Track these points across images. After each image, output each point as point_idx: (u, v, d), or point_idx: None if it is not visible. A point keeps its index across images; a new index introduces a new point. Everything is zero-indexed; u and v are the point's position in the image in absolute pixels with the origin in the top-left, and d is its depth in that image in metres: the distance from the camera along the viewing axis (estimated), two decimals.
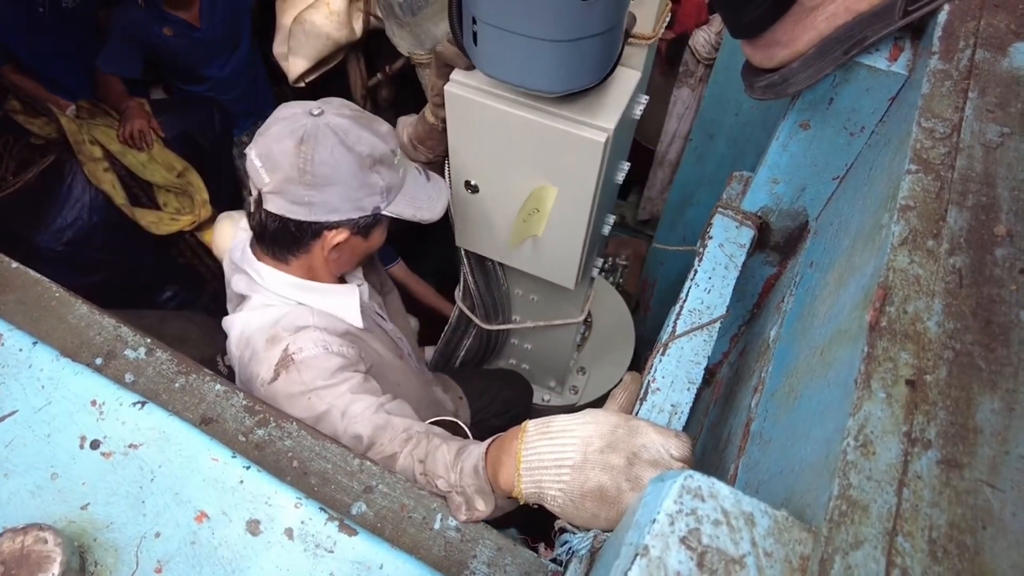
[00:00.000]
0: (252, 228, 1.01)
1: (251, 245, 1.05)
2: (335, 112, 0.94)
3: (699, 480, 0.40)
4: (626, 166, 1.22)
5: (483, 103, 1.03)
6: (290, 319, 0.97)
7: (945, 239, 0.49)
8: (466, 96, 1.04)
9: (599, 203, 1.13)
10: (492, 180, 1.15)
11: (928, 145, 0.55)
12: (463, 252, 1.40)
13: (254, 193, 0.95)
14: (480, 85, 1.04)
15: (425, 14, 1.99)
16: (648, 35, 1.07)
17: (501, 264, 1.46)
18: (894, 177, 0.56)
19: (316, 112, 0.93)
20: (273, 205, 0.93)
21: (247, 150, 0.94)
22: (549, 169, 1.06)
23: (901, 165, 0.54)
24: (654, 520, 0.39)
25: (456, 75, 1.06)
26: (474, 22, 0.88)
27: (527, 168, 1.11)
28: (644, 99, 1.09)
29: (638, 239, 2.74)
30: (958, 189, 0.52)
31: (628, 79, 1.07)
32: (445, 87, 1.05)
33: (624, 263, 2.67)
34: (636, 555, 0.38)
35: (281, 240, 0.98)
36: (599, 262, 1.51)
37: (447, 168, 1.19)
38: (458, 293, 1.59)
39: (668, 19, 1.14)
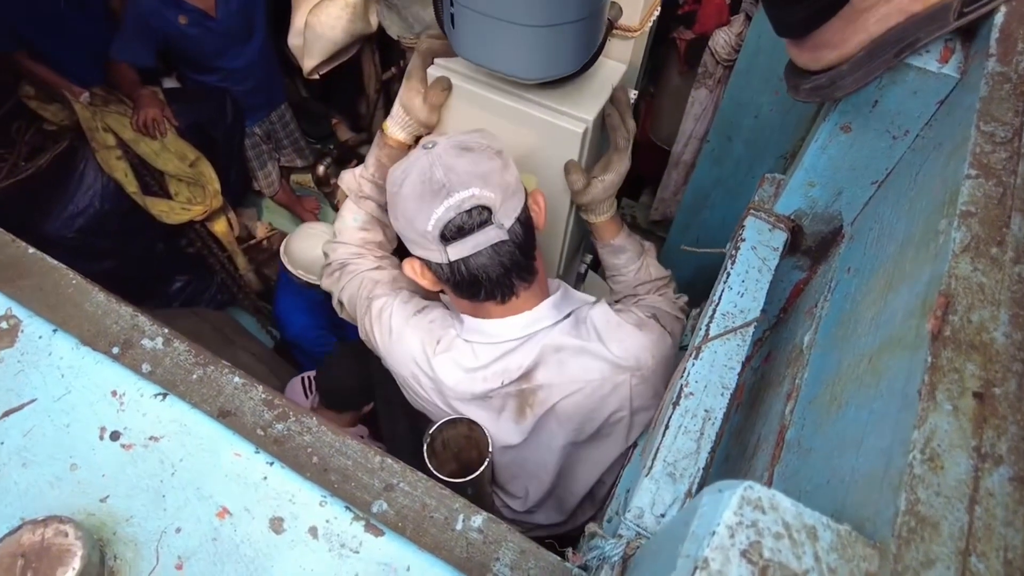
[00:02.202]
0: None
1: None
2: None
3: (759, 491, 0.38)
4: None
5: (464, 87, 1.01)
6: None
7: (1009, 247, 0.47)
8: (447, 78, 1.02)
9: None
10: None
11: (988, 150, 0.53)
12: None
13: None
14: (462, 69, 1.01)
15: None
16: (634, 28, 1.05)
17: None
18: (950, 182, 0.54)
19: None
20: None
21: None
22: (529, 157, 1.04)
23: (959, 170, 0.52)
24: (713, 532, 0.37)
25: (439, 59, 1.04)
26: (451, 3, 0.85)
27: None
28: (633, 94, 1.07)
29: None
30: (1021, 195, 0.50)
31: (613, 71, 1.05)
32: (429, 70, 1.03)
33: None
34: (695, 568, 0.36)
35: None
36: (587, 258, 1.48)
37: None
38: None
39: (657, 13, 1.12)
